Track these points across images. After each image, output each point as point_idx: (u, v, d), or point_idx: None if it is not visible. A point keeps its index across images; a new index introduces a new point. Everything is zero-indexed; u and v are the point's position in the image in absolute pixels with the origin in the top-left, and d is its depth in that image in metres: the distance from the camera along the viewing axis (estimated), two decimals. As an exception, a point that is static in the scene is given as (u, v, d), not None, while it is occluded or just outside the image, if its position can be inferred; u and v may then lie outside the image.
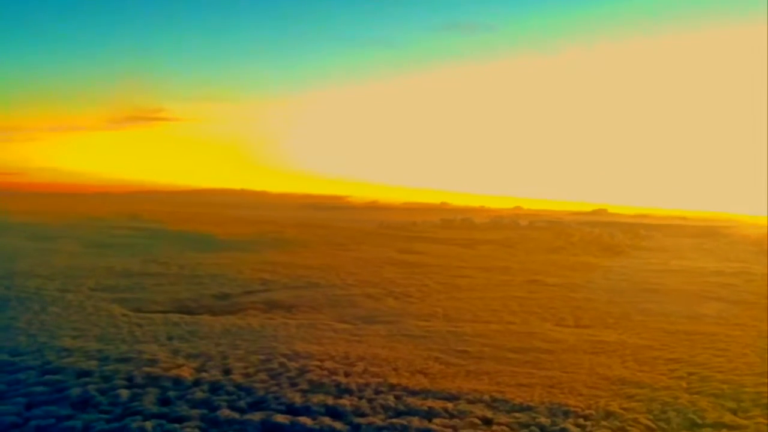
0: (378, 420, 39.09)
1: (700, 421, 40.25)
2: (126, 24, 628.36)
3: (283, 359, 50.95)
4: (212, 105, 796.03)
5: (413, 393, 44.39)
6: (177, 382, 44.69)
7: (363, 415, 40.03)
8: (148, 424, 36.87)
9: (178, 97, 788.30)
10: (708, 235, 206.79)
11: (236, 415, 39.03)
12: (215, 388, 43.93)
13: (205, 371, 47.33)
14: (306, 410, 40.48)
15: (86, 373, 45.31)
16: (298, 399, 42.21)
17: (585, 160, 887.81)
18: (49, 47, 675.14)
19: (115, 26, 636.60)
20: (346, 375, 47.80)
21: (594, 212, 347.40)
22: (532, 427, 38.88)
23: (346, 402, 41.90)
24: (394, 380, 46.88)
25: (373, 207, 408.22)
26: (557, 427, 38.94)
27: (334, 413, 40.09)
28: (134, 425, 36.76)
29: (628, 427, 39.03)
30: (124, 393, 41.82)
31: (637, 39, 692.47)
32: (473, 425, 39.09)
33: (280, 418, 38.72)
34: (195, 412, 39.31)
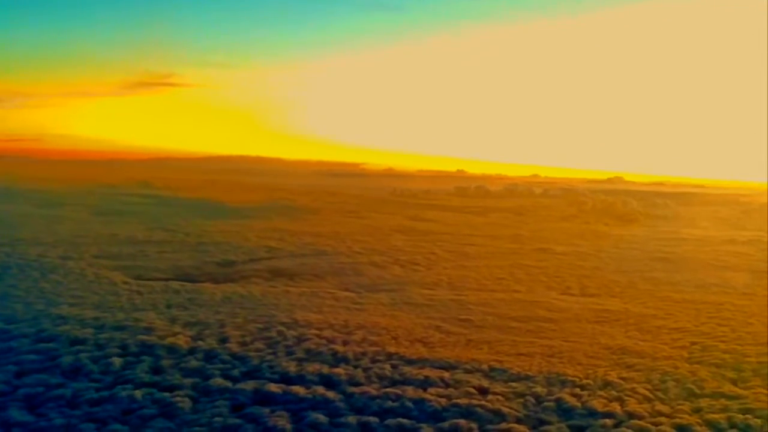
0: (372, 389, 38.53)
1: (698, 391, 39.50)
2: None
3: (281, 328, 50.49)
4: (224, 71, 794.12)
5: (410, 362, 43.83)
6: (172, 350, 44.20)
7: (357, 384, 39.46)
8: (138, 393, 36.38)
9: (189, 63, 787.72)
10: (724, 203, 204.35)
11: (228, 384, 38.51)
12: (210, 356, 43.44)
13: (201, 339, 46.86)
14: (300, 379, 39.93)
15: (80, 341, 44.84)
16: (292, 368, 41.71)
17: (603, 128, 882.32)
18: (60, 13, 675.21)
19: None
20: (344, 344, 47.33)
21: (609, 180, 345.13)
22: (528, 397, 38.26)
23: (341, 371, 41.34)
24: (392, 349, 46.35)
25: (388, 174, 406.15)
26: (553, 397, 38.27)
27: (329, 382, 39.51)
28: (124, 394, 36.25)
29: (625, 397, 38.31)
30: (117, 361, 41.38)
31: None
32: (468, 394, 38.42)
33: (273, 387, 38.20)
34: (187, 380, 38.78)
